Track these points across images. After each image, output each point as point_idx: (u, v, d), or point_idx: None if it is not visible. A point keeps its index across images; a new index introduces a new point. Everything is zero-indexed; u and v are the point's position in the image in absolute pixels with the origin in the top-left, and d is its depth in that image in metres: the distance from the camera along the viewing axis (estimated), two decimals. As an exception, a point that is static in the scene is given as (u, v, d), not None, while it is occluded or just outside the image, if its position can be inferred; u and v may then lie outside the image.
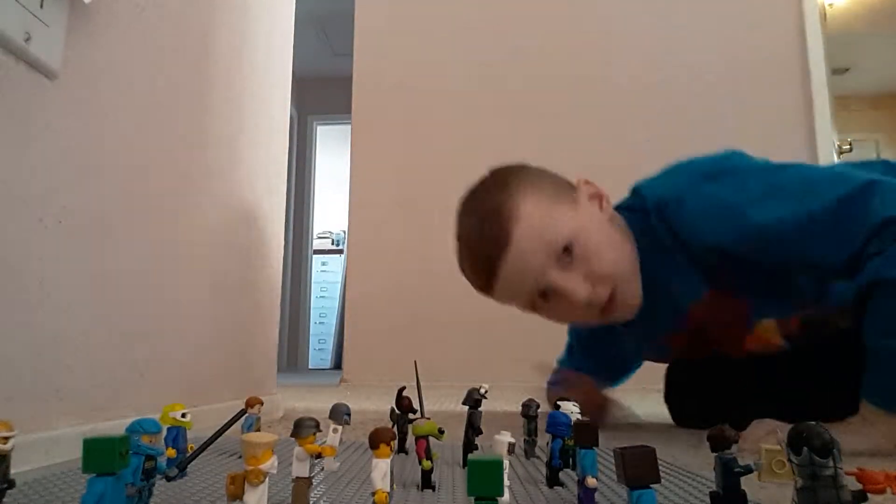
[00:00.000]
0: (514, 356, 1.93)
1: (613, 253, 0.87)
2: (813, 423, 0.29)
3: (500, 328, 1.50)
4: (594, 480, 0.41)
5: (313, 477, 0.41)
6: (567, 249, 0.84)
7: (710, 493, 0.38)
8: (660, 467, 0.34)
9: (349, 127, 2.81)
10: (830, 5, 4.03)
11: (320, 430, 0.41)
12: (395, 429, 0.65)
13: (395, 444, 0.41)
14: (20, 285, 0.60)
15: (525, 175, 0.89)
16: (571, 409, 0.59)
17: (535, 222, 0.83)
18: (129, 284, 0.79)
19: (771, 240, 0.79)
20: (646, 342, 1.07)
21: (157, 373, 0.84)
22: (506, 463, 0.38)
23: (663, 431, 1.00)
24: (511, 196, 0.85)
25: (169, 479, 0.48)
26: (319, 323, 5.66)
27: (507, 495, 0.39)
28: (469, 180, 0.93)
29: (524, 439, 0.65)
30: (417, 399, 0.66)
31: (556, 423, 0.53)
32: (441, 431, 0.52)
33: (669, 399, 1.13)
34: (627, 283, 0.88)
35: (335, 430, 0.51)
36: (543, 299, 0.87)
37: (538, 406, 0.66)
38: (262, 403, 0.64)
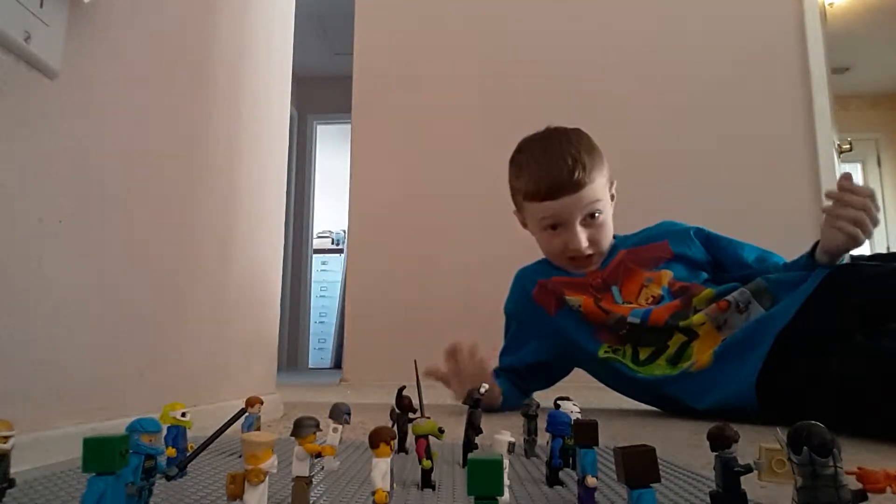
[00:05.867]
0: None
1: (609, 233, 1.34)
2: (813, 422, 0.29)
3: (499, 329, 1.50)
4: (594, 480, 0.41)
5: (313, 476, 0.41)
6: (593, 215, 1.28)
7: (710, 492, 0.38)
8: (660, 467, 0.34)
9: (349, 127, 2.81)
10: (830, 5, 4.03)
11: (320, 430, 0.41)
12: (395, 428, 0.65)
13: (394, 443, 0.41)
14: (20, 285, 0.60)
15: (600, 152, 1.32)
16: (571, 408, 0.60)
17: (596, 190, 1.27)
18: (129, 284, 0.79)
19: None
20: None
21: (157, 373, 0.84)
22: (506, 462, 0.38)
23: (663, 431, 1.00)
24: (596, 163, 1.28)
25: (169, 478, 0.48)
26: (319, 322, 5.67)
27: (507, 495, 0.40)
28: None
29: (524, 438, 0.66)
30: (417, 398, 0.66)
31: (557, 423, 0.53)
32: (441, 431, 0.52)
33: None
34: (602, 254, 1.34)
35: (335, 430, 0.51)
36: (552, 229, 1.30)
37: (538, 405, 0.66)
38: (262, 403, 0.63)
